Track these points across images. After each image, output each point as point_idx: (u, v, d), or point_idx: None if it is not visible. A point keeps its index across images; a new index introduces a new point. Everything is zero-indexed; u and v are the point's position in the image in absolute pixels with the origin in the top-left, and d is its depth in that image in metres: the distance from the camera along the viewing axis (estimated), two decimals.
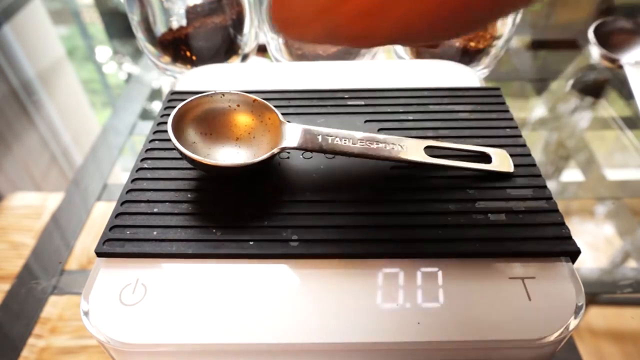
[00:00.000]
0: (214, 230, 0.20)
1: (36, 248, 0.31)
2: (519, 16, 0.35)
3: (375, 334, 0.17)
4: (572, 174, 0.38)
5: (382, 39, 0.15)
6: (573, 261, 0.19)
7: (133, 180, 0.22)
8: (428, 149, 0.22)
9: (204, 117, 0.22)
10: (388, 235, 0.19)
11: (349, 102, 0.27)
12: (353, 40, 0.16)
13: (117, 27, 0.60)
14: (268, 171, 0.22)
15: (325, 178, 0.22)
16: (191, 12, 0.36)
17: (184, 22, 0.37)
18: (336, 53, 0.37)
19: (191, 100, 0.22)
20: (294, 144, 0.21)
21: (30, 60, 0.53)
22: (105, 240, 0.19)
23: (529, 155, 0.23)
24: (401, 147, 0.22)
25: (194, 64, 0.38)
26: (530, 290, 0.18)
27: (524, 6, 0.15)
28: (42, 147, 0.41)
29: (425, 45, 0.17)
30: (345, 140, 0.22)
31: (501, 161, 0.22)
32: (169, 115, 0.21)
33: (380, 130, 0.25)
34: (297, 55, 0.37)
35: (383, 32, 0.14)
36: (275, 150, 0.21)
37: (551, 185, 0.32)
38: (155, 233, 0.20)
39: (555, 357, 0.18)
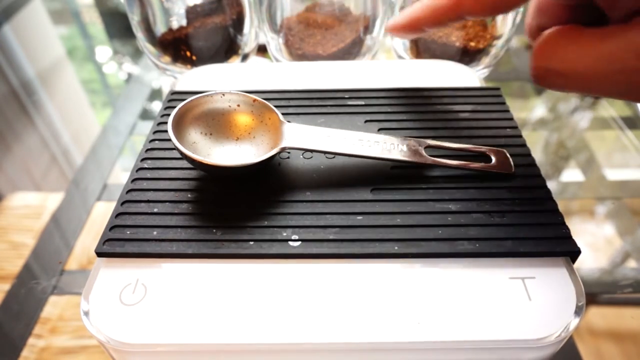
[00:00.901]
0: (214, 230, 0.20)
1: (36, 248, 0.31)
2: (519, 16, 0.35)
3: (375, 334, 0.17)
4: (572, 174, 0.38)
5: None
6: (573, 261, 0.19)
7: (133, 180, 0.22)
8: (428, 149, 0.22)
9: (204, 117, 0.22)
10: (388, 235, 0.19)
11: (349, 102, 0.27)
12: None
13: (117, 27, 0.60)
14: (268, 171, 0.22)
15: (325, 178, 0.22)
16: (191, 12, 0.36)
17: (184, 22, 0.37)
18: (336, 53, 0.37)
19: (191, 100, 0.22)
20: (294, 144, 0.21)
21: (30, 60, 0.53)
22: (105, 240, 0.19)
23: (529, 155, 0.23)
24: (401, 147, 0.22)
25: (194, 64, 0.38)
26: (530, 290, 0.18)
27: None
28: (42, 147, 0.41)
29: None
30: (345, 140, 0.22)
31: (501, 161, 0.22)
32: (169, 115, 0.21)
33: (380, 130, 0.25)
34: (297, 55, 0.37)
35: None
36: (275, 150, 0.21)
37: (551, 185, 0.32)
38: (155, 233, 0.20)
39: (555, 357, 0.18)
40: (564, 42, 0.16)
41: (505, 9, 0.20)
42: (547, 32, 0.17)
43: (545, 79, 0.17)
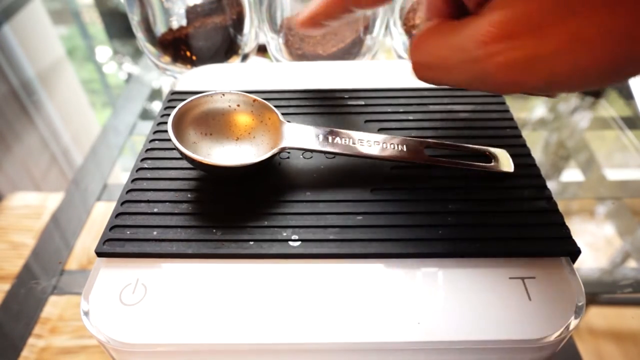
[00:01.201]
0: (214, 230, 0.20)
1: (36, 248, 0.31)
2: None
3: (375, 334, 0.17)
4: (572, 174, 0.38)
5: (529, 88, 0.15)
6: (573, 261, 0.19)
7: (133, 180, 0.22)
8: (428, 149, 0.22)
9: (204, 117, 0.22)
10: (388, 235, 0.19)
11: (349, 102, 0.27)
12: (494, 88, 0.16)
13: (117, 27, 0.60)
14: (268, 171, 0.22)
15: (325, 178, 0.22)
16: (191, 12, 0.36)
17: (184, 22, 0.37)
18: (336, 53, 0.37)
19: (191, 100, 0.22)
20: (294, 144, 0.21)
21: (30, 60, 0.53)
22: (105, 240, 0.19)
23: (529, 155, 0.23)
24: (401, 147, 0.22)
25: (194, 64, 0.38)
26: (531, 290, 0.18)
27: None
28: (42, 147, 0.41)
29: (548, 94, 0.17)
30: (345, 140, 0.22)
31: (501, 161, 0.22)
32: (169, 115, 0.21)
33: (380, 130, 0.25)
34: (297, 55, 0.37)
35: (531, 82, 0.15)
36: (275, 150, 0.21)
37: (551, 185, 0.32)
38: (155, 233, 0.20)
39: (555, 357, 0.18)
40: (430, 36, 0.17)
41: (388, 1, 0.21)
42: (422, 27, 0.18)
43: (419, 73, 0.18)
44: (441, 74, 0.17)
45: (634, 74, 0.14)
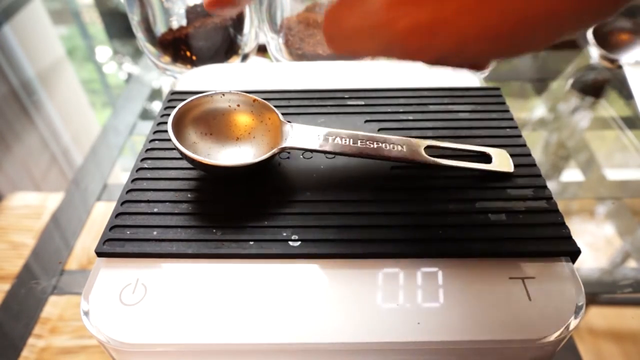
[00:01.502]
0: (214, 230, 0.20)
1: (36, 248, 0.31)
2: None
3: (375, 334, 0.17)
4: (572, 174, 0.38)
5: (436, 55, 0.15)
6: (573, 261, 0.19)
7: (133, 180, 0.22)
8: (428, 149, 0.22)
9: (204, 117, 0.22)
10: (388, 235, 0.19)
11: (349, 102, 0.27)
12: (406, 55, 0.16)
13: (117, 27, 0.60)
14: (268, 171, 0.22)
15: (325, 178, 0.22)
16: (191, 12, 0.36)
17: (184, 22, 0.37)
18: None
19: (191, 100, 0.22)
20: (294, 144, 0.21)
21: (30, 60, 0.53)
22: (105, 240, 0.19)
23: (529, 155, 0.23)
24: (401, 147, 0.22)
25: (194, 64, 0.38)
26: (531, 290, 0.18)
27: (588, 26, 0.15)
28: (42, 147, 0.41)
29: (474, 66, 0.17)
30: (345, 140, 0.22)
31: (501, 161, 0.22)
32: (169, 115, 0.21)
33: (380, 130, 0.25)
34: (297, 55, 0.37)
35: (437, 48, 0.15)
36: (275, 150, 0.21)
37: (551, 185, 0.32)
38: (155, 233, 0.20)
39: (555, 357, 0.18)
40: (342, 5, 0.16)
41: None
42: None
43: (332, 44, 0.17)
44: (355, 44, 0.17)
45: (548, 34, 0.14)
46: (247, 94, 0.23)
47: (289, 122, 0.22)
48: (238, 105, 0.23)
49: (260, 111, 0.23)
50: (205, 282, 0.18)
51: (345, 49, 0.17)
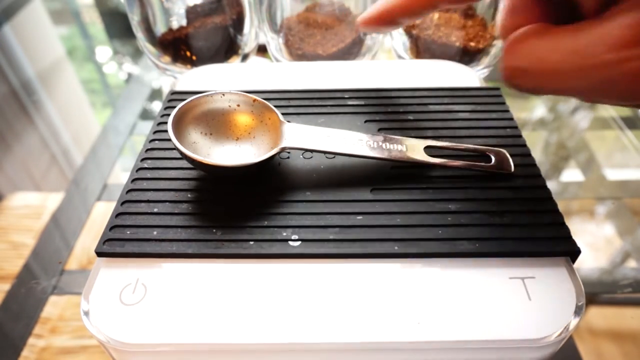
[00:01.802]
0: (214, 230, 0.20)
1: (36, 248, 0.31)
2: None
3: (376, 334, 0.17)
4: (572, 174, 0.38)
5: None
6: (573, 261, 0.19)
7: (133, 180, 0.22)
8: (428, 149, 0.22)
9: (204, 117, 0.22)
10: (388, 235, 0.19)
11: (349, 102, 0.27)
12: (624, 97, 0.15)
13: (117, 27, 0.60)
14: (268, 171, 0.22)
15: (325, 178, 0.22)
16: (191, 12, 0.36)
17: (184, 22, 0.37)
18: (336, 53, 0.37)
19: (191, 100, 0.22)
20: (294, 144, 0.21)
21: (30, 60, 0.53)
22: (105, 240, 0.19)
23: (529, 155, 0.23)
24: (401, 147, 0.22)
25: (194, 64, 0.38)
26: (530, 290, 0.18)
27: None
28: (42, 147, 0.41)
29: None
30: (345, 140, 0.22)
31: (501, 161, 0.22)
32: (169, 115, 0.21)
33: (380, 130, 0.25)
34: (297, 55, 0.37)
35: None
36: (275, 150, 0.21)
37: (551, 185, 0.32)
38: (155, 233, 0.20)
39: (555, 357, 0.18)
40: (535, 39, 0.15)
41: None
42: (518, 31, 0.16)
43: (516, 79, 0.16)
44: (544, 81, 0.15)
45: None
46: (247, 94, 0.23)
47: (289, 122, 0.22)
48: (238, 105, 0.23)
49: (260, 111, 0.23)
50: (205, 282, 0.18)
51: (526, 84, 0.16)
